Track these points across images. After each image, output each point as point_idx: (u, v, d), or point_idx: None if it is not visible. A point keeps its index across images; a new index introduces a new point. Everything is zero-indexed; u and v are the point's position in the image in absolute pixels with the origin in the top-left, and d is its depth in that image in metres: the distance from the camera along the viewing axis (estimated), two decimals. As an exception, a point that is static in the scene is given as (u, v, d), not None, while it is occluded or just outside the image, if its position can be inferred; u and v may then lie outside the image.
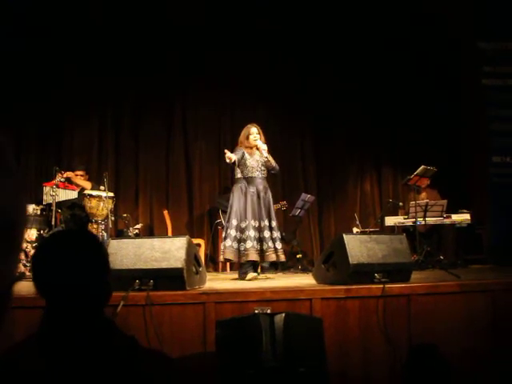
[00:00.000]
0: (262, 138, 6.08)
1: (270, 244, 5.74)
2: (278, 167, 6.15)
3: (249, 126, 6.13)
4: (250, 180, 5.92)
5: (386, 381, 3.95)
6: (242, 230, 5.72)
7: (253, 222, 5.73)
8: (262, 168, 5.97)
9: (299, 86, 9.31)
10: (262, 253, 5.73)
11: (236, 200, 5.84)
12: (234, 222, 5.73)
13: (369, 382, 3.95)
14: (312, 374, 3.15)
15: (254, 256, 5.65)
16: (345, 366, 3.91)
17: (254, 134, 6.02)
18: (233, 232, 5.70)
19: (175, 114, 9.03)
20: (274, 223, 5.85)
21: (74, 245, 1.61)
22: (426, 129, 9.37)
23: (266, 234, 5.75)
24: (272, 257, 5.73)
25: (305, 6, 8.89)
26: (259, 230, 5.76)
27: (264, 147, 5.93)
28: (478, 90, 9.14)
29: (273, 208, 5.97)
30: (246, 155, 5.95)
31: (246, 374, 3.09)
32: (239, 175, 5.97)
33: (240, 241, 5.69)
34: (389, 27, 9.20)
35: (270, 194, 5.97)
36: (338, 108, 9.30)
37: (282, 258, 5.88)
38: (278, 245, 5.80)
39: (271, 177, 9.12)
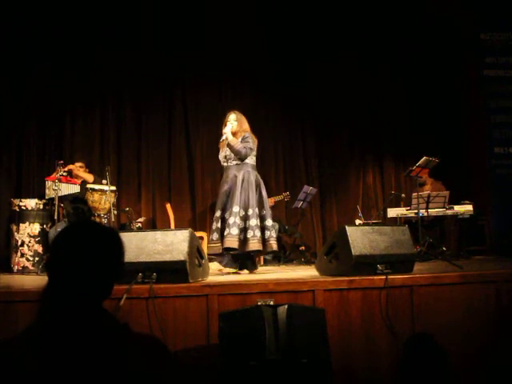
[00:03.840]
0: (246, 125, 5.78)
1: (226, 232, 5.32)
2: (243, 151, 5.54)
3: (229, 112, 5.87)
4: (225, 169, 5.74)
5: (388, 372, 3.96)
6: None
7: (218, 213, 5.52)
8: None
9: (300, 81, 9.27)
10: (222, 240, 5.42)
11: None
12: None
13: (372, 373, 3.96)
14: (315, 365, 3.16)
15: (214, 249, 5.43)
16: (347, 357, 3.92)
17: (231, 120, 5.73)
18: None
19: (176, 110, 9.01)
20: (250, 211, 5.44)
21: (93, 236, 1.63)
22: (427, 121, 9.36)
23: (231, 220, 5.36)
24: (228, 243, 5.27)
25: (305, 5, 8.89)
26: (222, 219, 5.48)
27: (225, 130, 5.65)
28: (479, 81, 9.13)
29: (253, 196, 5.49)
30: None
31: (249, 365, 3.10)
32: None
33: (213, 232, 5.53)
34: (390, 21, 9.17)
35: (242, 181, 5.53)
36: (339, 102, 9.29)
37: (253, 246, 5.34)
38: (249, 233, 5.37)
39: (272, 169, 9.21)
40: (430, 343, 2.84)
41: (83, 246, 1.59)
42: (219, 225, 5.49)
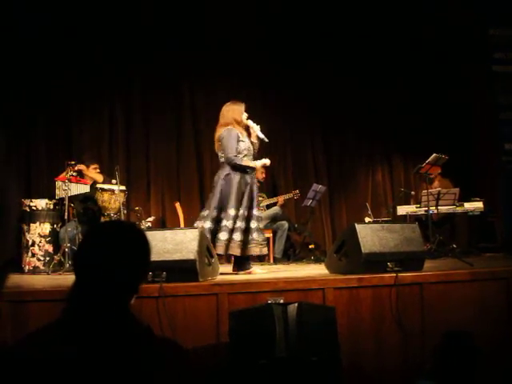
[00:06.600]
0: None
1: (233, 236, 5.19)
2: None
3: (238, 102, 5.68)
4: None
5: (398, 369, 3.96)
6: None
7: (236, 212, 5.27)
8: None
9: (308, 77, 9.24)
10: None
11: None
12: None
13: (382, 371, 3.95)
14: (325, 363, 3.16)
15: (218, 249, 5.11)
16: (358, 355, 3.91)
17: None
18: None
19: (185, 108, 9.01)
20: (222, 214, 5.31)
21: (119, 235, 1.65)
22: (436, 117, 9.32)
23: (236, 224, 5.24)
24: (219, 249, 5.09)
25: (305, 5, 8.88)
26: (212, 221, 5.31)
27: (257, 127, 5.55)
28: (488, 77, 9.07)
29: (226, 196, 5.35)
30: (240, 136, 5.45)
31: (259, 364, 3.10)
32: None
33: None
34: (396, 17, 9.12)
35: (222, 182, 5.40)
36: (347, 99, 9.26)
37: (219, 250, 5.10)
38: (223, 236, 5.17)
39: (281, 167, 9.21)
40: (469, 342, 2.84)
41: (109, 245, 1.61)
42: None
